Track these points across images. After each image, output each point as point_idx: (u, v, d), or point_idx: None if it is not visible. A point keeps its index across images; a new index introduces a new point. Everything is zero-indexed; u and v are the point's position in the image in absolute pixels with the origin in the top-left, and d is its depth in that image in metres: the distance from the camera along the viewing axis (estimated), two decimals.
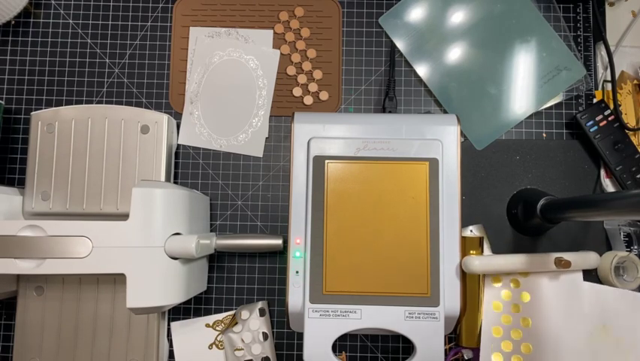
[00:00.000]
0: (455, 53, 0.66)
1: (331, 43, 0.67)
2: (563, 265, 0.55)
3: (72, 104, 0.67)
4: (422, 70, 0.66)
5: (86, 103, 0.67)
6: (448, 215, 0.54)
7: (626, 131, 0.64)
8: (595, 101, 0.65)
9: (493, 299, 0.62)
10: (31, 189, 0.60)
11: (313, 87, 0.66)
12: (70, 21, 0.68)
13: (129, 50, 0.68)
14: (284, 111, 0.66)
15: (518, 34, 0.65)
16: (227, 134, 0.66)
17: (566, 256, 0.57)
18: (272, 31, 0.67)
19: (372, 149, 0.55)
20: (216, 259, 0.64)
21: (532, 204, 0.58)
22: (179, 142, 0.66)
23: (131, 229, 0.50)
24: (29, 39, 0.68)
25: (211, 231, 0.65)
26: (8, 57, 0.67)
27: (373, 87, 0.67)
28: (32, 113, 0.62)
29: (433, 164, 0.54)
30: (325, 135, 0.56)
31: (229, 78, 0.66)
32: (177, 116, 0.66)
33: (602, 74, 0.66)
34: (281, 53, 0.67)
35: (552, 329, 0.61)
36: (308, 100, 0.66)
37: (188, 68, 0.67)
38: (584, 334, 0.60)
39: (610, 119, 0.63)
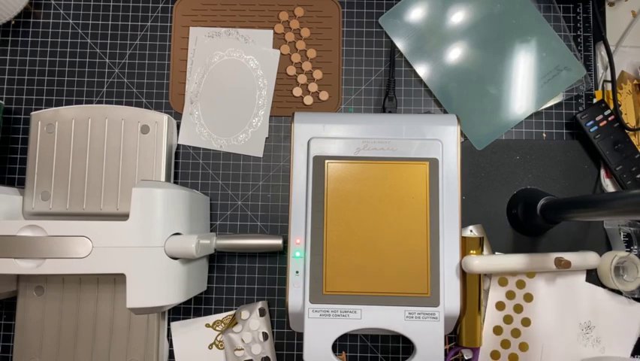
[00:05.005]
0: (455, 53, 0.66)
1: (331, 43, 0.67)
2: (563, 265, 0.55)
3: (72, 104, 0.67)
4: (422, 70, 0.66)
5: (86, 103, 0.67)
6: (448, 215, 0.54)
7: (626, 131, 0.64)
8: (595, 101, 0.65)
9: (498, 299, 0.62)
10: (31, 189, 0.60)
11: (313, 87, 0.66)
12: (70, 21, 0.68)
13: (129, 50, 0.68)
14: (284, 111, 0.66)
15: (518, 34, 0.65)
16: (227, 134, 0.66)
17: (566, 256, 0.57)
18: (272, 31, 0.67)
19: (372, 149, 0.55)
20: (216, 259, 0.64)
21: (532, 204, 0.58)
22: (179, 142, 0.66)
23: (131, 229, 0.50)
24: (29, 39, 0.68)
25: (211, 231, 0.65)
26: (8, 57, 0.67)
27: (373, 87, 0.67)
28: (32, 113, 0.62)
29: (433, 164, 0.54)
30: (325, 135, 0.56)
31: (229, 78, 0.66)
32: (177, 116, 0.66)
33: (602, 74, 0.66)
34: (281, 53, 0.67)
35: (548, 328, 0.61)
36: (308, 100, 0.66)
37: (188, 68, 0.67)
38: (575, 333, 0.61)
39: (610, 119, 0.63)
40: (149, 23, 0.68)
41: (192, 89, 0.66)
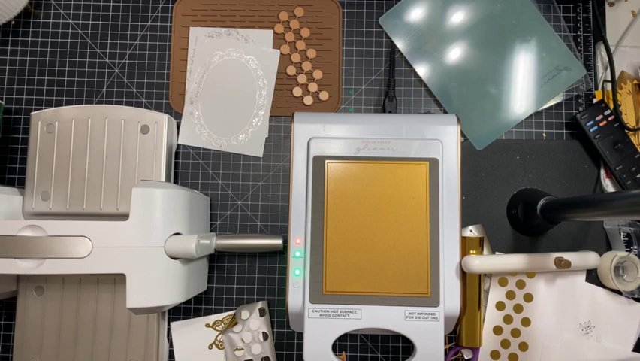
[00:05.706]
0: (455, 53, 0.66)
1: (331, 43, 0.67)
2: (563, 265, 0.55)
3: (72, 104, 0.67)
4: (422, 70, 0.66)
5: (86, 103, 0.67)
6: (448, 215, 0.54)
7: (626, 131, 0.64)
8: (595, 101, 0.65)
9: (497, 299, 0.62)
10: (31, 189, 0.60)
11: (313, 87, 0.66)
12: (70, 21, 0.68)
13: (129, 50, 0.68)
14: (284, 111, 0.66)
15: (518, 34, 0.65)
16: (227, 134, 0.66)
17: (566, 256, 0.57)
18: (272, 31, 0.67)
19: (372, 149, 0.55)
20: (216, 259, 0.64)
21: (532, 204, 0.58)
22: (179, 142, 0.66)
23: (131, 229, 0.50)
24: (29, 39, 0.68)
25: (211, 231, 0.65)
26: (8, 57, 0.67)
27: (373, 87, 0.67)
28: (32, 113, 0.62)
29: (433, 164, 0.54)
30: (325, 135, 0.56)
31: (229, 78, 0.66)
32: (177, 116, 0.66)
33: (602, 74, 0.66)
34: (281, 53, 0.67)
35: (548, 327, 0.61)
36: (308, 100, 0.66)
37: (188, 68, 0.67)
38: (575, 333, 0.61)
39: (610, 119, 0.63)
40: (149, 23, 0.68)
41: (192, 89, 0.66)
